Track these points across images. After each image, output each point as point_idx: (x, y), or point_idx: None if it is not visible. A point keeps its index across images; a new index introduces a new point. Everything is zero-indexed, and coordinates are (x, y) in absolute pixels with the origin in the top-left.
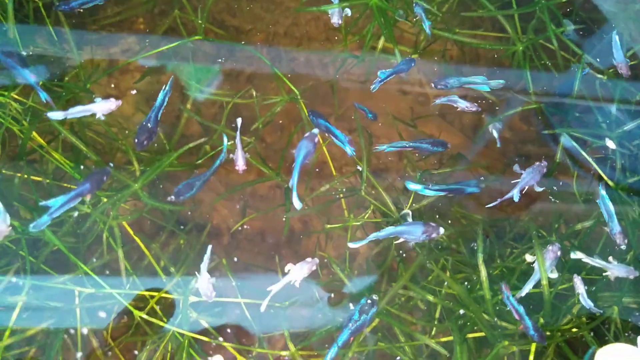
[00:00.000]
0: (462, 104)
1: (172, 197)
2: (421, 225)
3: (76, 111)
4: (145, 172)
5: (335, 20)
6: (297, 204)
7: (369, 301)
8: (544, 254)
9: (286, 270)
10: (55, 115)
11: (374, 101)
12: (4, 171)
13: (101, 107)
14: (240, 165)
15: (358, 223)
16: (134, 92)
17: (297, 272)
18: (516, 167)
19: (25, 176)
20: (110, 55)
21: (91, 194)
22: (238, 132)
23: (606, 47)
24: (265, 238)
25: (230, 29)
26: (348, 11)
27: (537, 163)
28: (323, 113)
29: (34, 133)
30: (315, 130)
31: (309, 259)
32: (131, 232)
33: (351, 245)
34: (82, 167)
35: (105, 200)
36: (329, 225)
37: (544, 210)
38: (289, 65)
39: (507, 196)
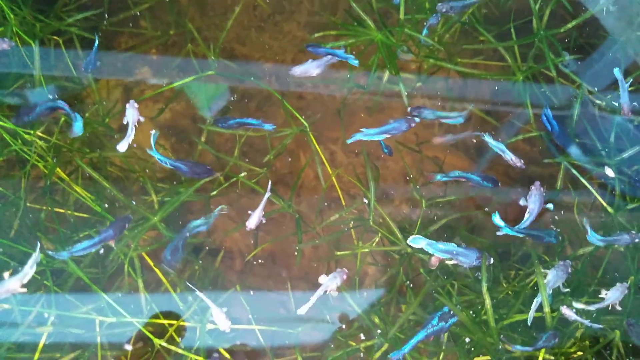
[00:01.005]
0: (509, 157)
1: (164, 265)
2: (476, 252)
3: (131, 133)
4: (164, 205)
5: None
6: None
7: (450, 312)
8: (554, 271)
9: (320, 281)
10: (122, 146)
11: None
12: (29, 204)
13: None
14: (251, 225)
15: (366, 250)
16: (153, 131)
17: (331, 282)
18: (522, 201)
19: (50, 209)
20: (126, 87)
21: (114, 239)
22: (265, 197)
23: (605, 69)
24: (275, 261)
25: (240, 57)
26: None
27: (536, 189)
28: (330, 137)
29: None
30: (342, 271)
31: (339, 270)
32: (151, 263)
33: (433, 263)
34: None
35: (126, 232)
36: (338, 252)
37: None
38: (296, 92)
39: (517, 232)
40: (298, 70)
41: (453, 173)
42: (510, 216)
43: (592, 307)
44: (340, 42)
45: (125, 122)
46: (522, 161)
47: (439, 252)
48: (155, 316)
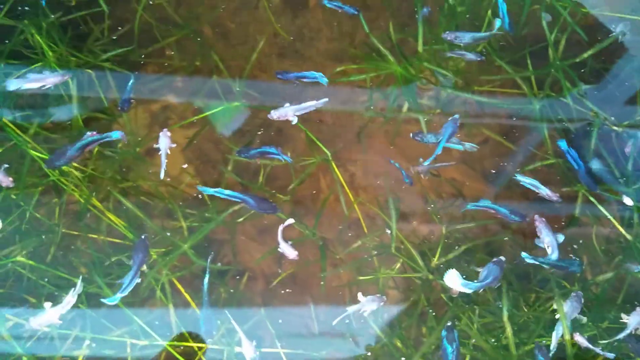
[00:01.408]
0: (544, 192)
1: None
2: (498, 271)
3: (164, 160)
4: (194, 233)
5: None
6: None
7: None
8: (569, 302)
9: (359, 298)
10: (161, 174)
11: (396, 149)
12: (63, 229)
13: None
14: (291, 255)
15: (388, 274)
16: (185, 166)
17: (369, 304)
18: (537, 242)
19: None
20: (153, 113)
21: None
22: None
23: (621, 94)
24: (297, 282)
25: (262, 83)
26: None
27: (540, 223)
28: (350, 159)
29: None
30: (381, 298)
31: (378, 295)
32: (182, 289)
33: (454, 292)
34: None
35: (155, 256)
36: (361, 277)
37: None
38: (317, 116)
39: (543, 263)
40: (275, 114)
41: (483, 202)
42: (529, 235)
43: (618, 337)
44: (362, 75)
45: (156, 148)
46: (558, 195)
47: (475, 289)
48: (182, 336)
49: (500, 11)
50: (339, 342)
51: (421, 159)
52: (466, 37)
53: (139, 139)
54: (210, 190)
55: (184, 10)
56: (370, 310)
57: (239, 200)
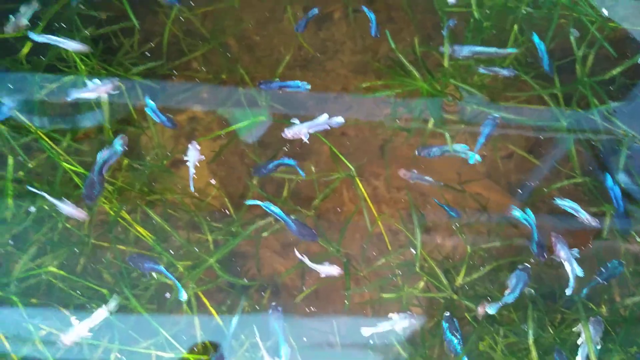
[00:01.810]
0: (583, 216)
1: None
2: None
3: (193, 172)
4: (220, 247)
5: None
6: None
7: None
8: (591, 326)
9: (390, 317)
10: (191, 187)
11: (420, 161)
12: (93, 240)
13: None
14: (335, 271)
15: (412, 292)
16: (213, 181)
17: (402, 321)
18: (558, 252)
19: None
20: (179, 124)
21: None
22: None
23: None
24: (319, 296)
25: (286, 95)
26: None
27: (556, 240)
28: (373, 172)
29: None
30: (413, 316)
31: (409, 312)
32: (207, 302)
33: (480, 313)
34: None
35: (181, 269)
36: (384, 295)
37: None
38: (340, 129)
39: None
40: (290, 133)
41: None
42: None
43: None
44: (387, 91)
45: (185, 160)
46: (598, 221)
47: (511, 299)
48: (205, 347)
49: (540, 51)
50: (361, 358)
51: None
52: (464, 51)
53: (167, 152)
54: (259, 203)
55: (210, 23)
56: (401, 327)
57: (281, 220)
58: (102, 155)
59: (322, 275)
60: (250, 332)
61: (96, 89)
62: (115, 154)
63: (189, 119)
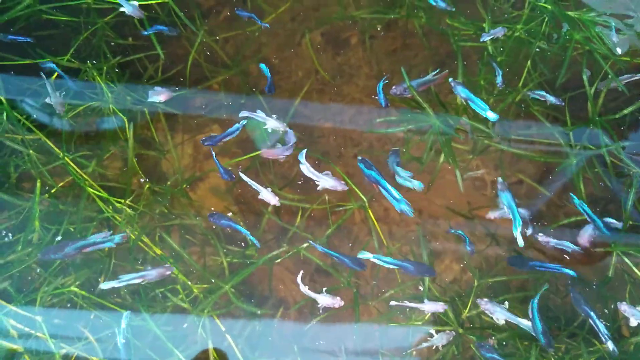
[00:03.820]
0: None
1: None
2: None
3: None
4: (235, 275)
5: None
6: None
7: None
8: None
9: (431, 332)
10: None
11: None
12: (114, 260)
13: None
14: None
15: (417, 325)
16: (230, 214)
17: (440, 339)
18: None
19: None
20: (197, 144)
21: None
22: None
23: None
24: (329, 326)
25: (302, 118)
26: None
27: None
28: None
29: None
30: (451, 334)
31: (448, 331)
32: (222, 327)
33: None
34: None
35: (196, 291)
36: (392, 324)
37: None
38: (352, 152)
39: None
40: (268, 154)
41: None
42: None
43: None
44: (399, 128)
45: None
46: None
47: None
48: None
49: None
50: None
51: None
52: (458, 90)
53: (186, 177)
54: (369, 256)
55: (231, 48)
56: (441, 345)
57: (398, 268)
58: (95, 237)
59: (324, 306)
60: (258, 355)
61: (163, 94)
62: (108, 244)
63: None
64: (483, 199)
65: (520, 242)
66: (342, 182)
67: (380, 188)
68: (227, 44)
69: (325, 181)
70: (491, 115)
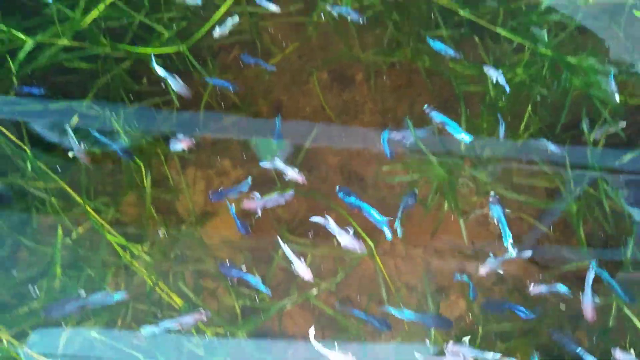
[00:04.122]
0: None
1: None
2: None
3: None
4: (248, 322)
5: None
6: None
7: None
8: None
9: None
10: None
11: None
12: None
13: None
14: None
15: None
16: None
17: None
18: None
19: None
20: (208, 177)
21: None
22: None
23: None
24: None
25: (308, 154)
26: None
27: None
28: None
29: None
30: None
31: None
32: None
33: None
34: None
35: (210, 334)
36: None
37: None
38: (359, 186)
39: None
40: (247, 205)
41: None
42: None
43: None
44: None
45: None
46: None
47: None
48: None
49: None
50: None
51: None
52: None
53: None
54: (396, 312)
55: (240, 87)
56: None
57: (421, 321)
58: (96, 296)
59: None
60: None
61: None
62: (108, 302)
63: (217, 173)
64: (487, 234)
65: (513, 253)
66: (362, 244)
67: (363, 211)
68: (237, 83)
69: (347, 240)
70: (465, 138)
